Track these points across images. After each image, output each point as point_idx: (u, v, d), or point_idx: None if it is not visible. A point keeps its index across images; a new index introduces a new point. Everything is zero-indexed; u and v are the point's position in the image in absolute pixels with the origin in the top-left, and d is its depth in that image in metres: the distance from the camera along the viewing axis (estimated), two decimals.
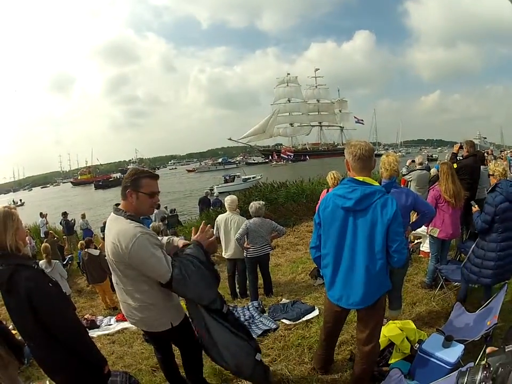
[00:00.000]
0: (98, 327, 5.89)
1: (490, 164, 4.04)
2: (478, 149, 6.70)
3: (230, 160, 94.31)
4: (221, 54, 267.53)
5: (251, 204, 5.75)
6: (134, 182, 2.23)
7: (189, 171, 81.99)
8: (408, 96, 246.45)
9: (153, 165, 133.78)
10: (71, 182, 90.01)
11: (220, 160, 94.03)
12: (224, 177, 32.91)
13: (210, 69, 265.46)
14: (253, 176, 32.55)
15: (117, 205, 2.34)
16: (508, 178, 3.74)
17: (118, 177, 69.37)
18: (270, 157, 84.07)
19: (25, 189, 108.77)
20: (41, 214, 14.43)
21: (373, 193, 2.37)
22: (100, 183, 69.28)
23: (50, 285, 2.13)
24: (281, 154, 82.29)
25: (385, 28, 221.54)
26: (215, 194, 15.99)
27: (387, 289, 2.61)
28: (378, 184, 2.47)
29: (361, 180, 2.41)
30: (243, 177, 31.81)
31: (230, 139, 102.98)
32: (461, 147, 5.54)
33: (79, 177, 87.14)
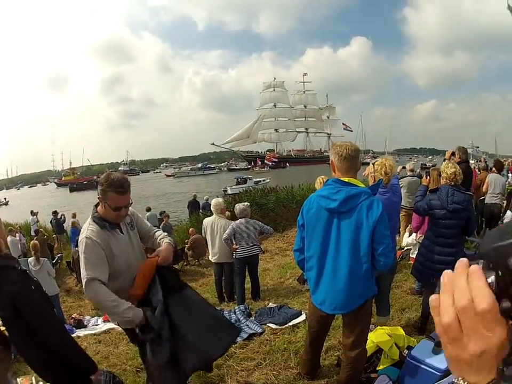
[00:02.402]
0: (85, 326, 5.89)
1: (442, 164, 3.80)
2: (471, 158, 6.81)
3: (210, 165, 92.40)
4: (217, 57, 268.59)
5: (236, 206, 5.84)
6: (102, 193, 2.32)
7: (167, 176, 79.93)
8: (403, 104, 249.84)
9: (144, 167, 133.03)
10: (55, 182, 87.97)
11: (200, 165, 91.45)
12: (237, 179, 34.38)
13: (205, 72, 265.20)
14: (263, 179, 34.26)
15: (97, 204, 2.43)
16: (455, 184, 3.53)
17: (93, 180, 68.17)
18: (253, 163, 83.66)
19: (17, 187, 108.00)
20: (32, 212, 14.50)
21: (358, 194, 2.33)
22: (75, 185, 68.15)
23: (33, 287, 2.06)
24: (265, 161, 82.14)
25: (382, 35, 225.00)
26: (205, 197, 15.83)
27: (372, 294, 2.57)
28: (364, 185, 2.44)
29: (346, 180, 2.38)
30: (254, 179, 33.48)
31: (213, 144, 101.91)
32: (453, 154, 5.55)
33: (63, 178, 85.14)
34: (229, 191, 26.98)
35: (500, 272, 0.44)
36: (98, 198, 2.37)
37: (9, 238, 8.94)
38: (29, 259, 6.23)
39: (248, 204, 6.03)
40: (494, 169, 6.70)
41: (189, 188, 40.13)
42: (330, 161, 2.50)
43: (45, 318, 2.04)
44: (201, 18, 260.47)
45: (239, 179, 34.37)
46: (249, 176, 35.98)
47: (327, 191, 2.41)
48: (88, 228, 2.32)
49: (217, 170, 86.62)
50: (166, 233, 2.73)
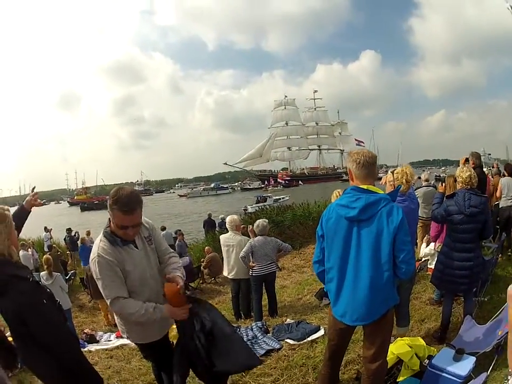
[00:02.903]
0: (97, 342, 5.84)
1: (457, 169, 3.78)
2: (483, 165, 6.76)
3: (222, 185, 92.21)
4: (228, 77, 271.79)
5: (257, 221, 5.75)
6: (109, 209, 2.21)
7: (180, 196, 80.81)
8: (414, 117, 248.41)
9: (159, 187, 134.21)
10: (68, 201, 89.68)
11: (212, 185, 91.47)
12: (257, 198, 35.98)
13: (217, 92, 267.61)
14: (282, 197, 36.08)
15: None
16: (471, 188, 3.52)
17: (104, 200, 69.86)
18: (267, 182, 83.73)
19: None
20: (45, 228, 14.74)
21: (377, 201, 2.30)
22: (85, 205, 69.60)
23: (45, 301, 2.04)
24: (278, 179, 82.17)
25: (390, 47, 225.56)
26: (220, 216, 15.84)
27: (394, 303, 2.50)
28: (382, 192, 2.41)
29: (365, 188, 2.35)
30: (274, 197, 35.01)
31: (226, 164, 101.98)
32: (466, 160, 5.50)
33: (75, 197, 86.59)
34: (249, 210, 27.10)
35: None
36: (108, 212, 2.27)
37: (21, 252, 9.05)
38: (41, 273, 6.28)
39: (267, 221, 5.99)
40: (505, 172, 6.69)
41: (204, 208, 40.32)
42: (347, 170, 2.49)
43: (55, 330, 2.02)
44: (210, 38, 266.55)
45: (259, 197, 35.69)
46: (268, 195, 37.56)
47: (346, 199, 2.38)
48: (99, 245, 2.25)
49: (230, 190, 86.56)
50: (180, 264, 2.62)
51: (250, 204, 32.38)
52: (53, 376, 2.08)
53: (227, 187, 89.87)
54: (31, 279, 2.03)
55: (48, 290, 2.17)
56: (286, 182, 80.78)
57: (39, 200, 2.94)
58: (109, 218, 2.32)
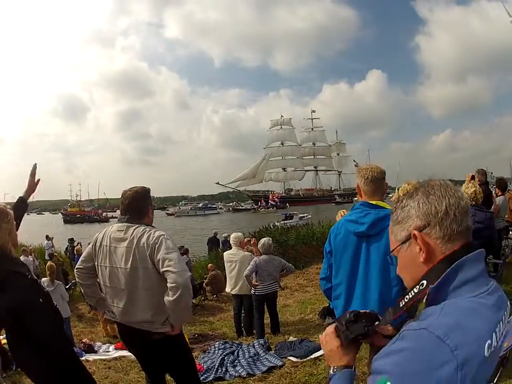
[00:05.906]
0: (95, 352, 5.75)
1: (462, 186, 3.81)
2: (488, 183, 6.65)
3: (211, 205, 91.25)
4: (235, 96, 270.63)
5: (261, 240, 5.76)
6: (150, 199, 2.52)
7: (168, 214, 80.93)
8: (419, 137, 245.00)
9: (163, 204, 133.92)
10: (61, 213, 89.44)
11: (201, 204, 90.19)
12: (285, 215, 37.54)
13: (223, 110, 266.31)
14: (305, 214, 38.28)
15: (128, 220, 2.36)
16: (476, 204, 3.55)
17: (85, 214, 73.99)
18: (259, 203, 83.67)
19: (32, 211, 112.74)
20: (47, 236, 14.66)
21: (387, 216, 2.28)
22: (68, 217, 71.78)
23: (41, 300, 2.03)
24: (269, 201, 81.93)
25: (397, 66, 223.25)
26: (224, 235, 15.76)
27: (401, 320, 2.47)
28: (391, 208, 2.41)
29: (374, 203, 2.35)
30: (300, 215, 37.22)
31: (217, 183, 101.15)
32: (472, 177, 5.49)
33: (68, 209, 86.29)
34: (278, 226, 27.53)
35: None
36: (149, 209, 2.48)
37: (22, 257, 8.94)
38: (43, 279, 6.16)
39: (271, 239, 6.02)
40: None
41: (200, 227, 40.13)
42: (356, 186, 2.50)
43: (49, 329, 2.01)
44: (217, 54, 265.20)
45: (287, 215, 37.39)
46: (294, 212, 39.53)
47: (355, 215, 2.38)
48: (158, 231, 2.30)
49: (218, 210, 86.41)
50: None
51: (278, 220, 32.77)
52: (45, 376, 2.05)
53: (215, 207, 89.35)
54: (29, 276, 2.02)
55: (45, 290, 2.16)
56: (278, 203, 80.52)
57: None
58: (130, 219, 2.36)
